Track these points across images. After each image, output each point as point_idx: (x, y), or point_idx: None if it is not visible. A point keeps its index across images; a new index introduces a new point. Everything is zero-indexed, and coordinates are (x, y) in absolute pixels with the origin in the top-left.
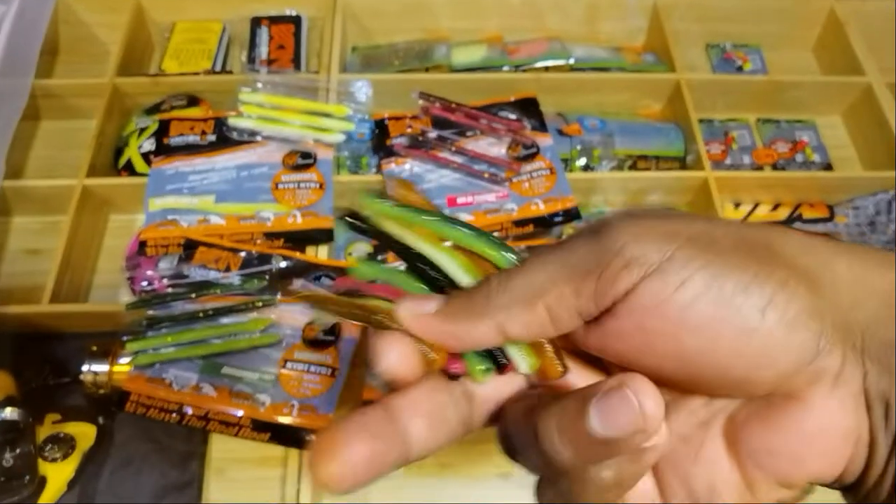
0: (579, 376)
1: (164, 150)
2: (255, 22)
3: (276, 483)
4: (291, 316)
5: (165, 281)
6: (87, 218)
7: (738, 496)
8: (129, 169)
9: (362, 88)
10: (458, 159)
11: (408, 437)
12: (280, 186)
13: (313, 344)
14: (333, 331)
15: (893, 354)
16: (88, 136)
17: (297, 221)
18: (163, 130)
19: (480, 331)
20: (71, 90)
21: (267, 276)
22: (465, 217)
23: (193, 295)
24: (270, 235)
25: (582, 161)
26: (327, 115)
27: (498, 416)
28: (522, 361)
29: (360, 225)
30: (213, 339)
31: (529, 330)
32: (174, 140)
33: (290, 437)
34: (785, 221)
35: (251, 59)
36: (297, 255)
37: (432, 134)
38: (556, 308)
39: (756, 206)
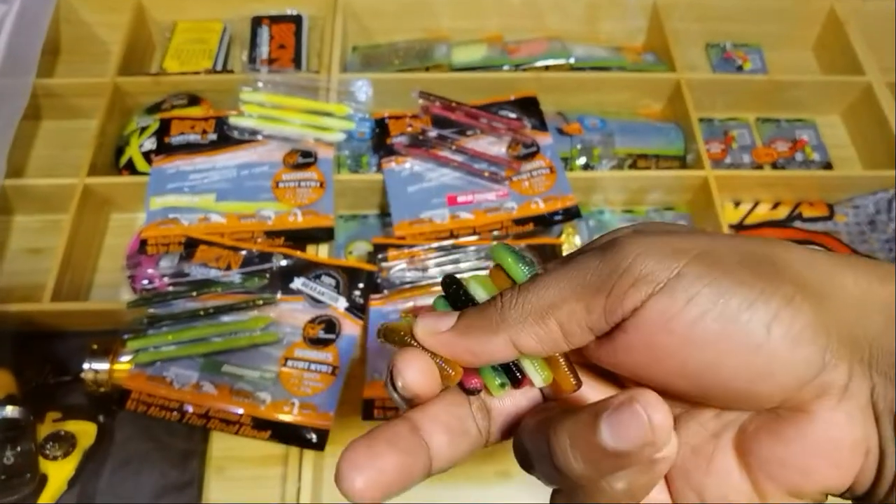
0: (593, 390)
1: (164, 149)
2: (256, 21)
3: (276, 482)
4: (292, 314)
5: (166, 279)
6: (88, 217)
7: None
8: (131, 168)
9: (363, 88)
10: (459, 158)
11: (431, 451)
12: (281, 185)
13: (314, 342)
14: (333, 329)
15: None
16: (89, 136)
17: (298, 220)
18: (164, 129)
19: (494, 345)
20: (72, 89)
21: (267, 275)
22: (466, 216)
23: (194, 293)
24: (271, 234)
25: (582, 160)
26: (328, 115)
27: (515, 429)
28: (537, 375)
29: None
30: (214, 338)
31: (542, 345)
32: (175, 139)
33: (290, 435)
34: (785, 220)
35: (252, 59)
36: (298, 253)
37: (432, 133)
38: (567, 323)
39: (756, 204)
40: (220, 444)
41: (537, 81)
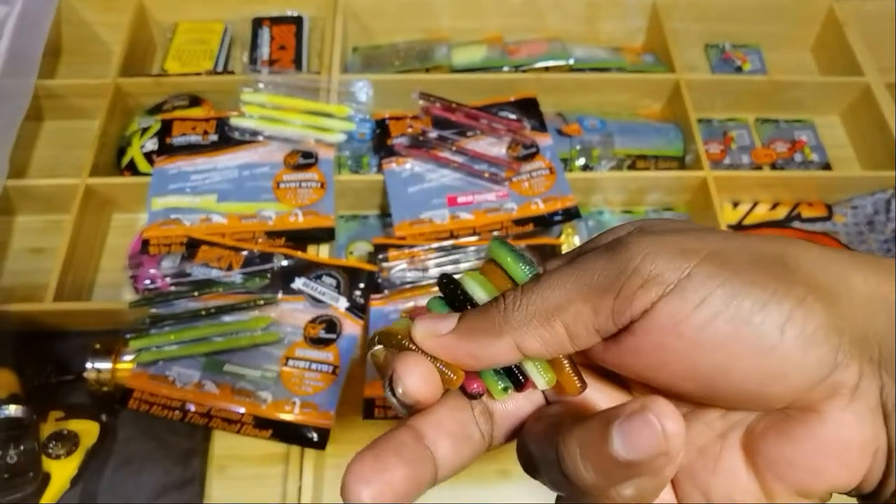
0: (597, 391)
1: (166, 149)
2: (257, 22)
3: (277, 480)
4: (292, 314)
5: (168, 279)
6: (90, 217)
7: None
8: (132, 168)
9: (363, 88)
10: (459, 159)
11: (436, 459)
12: (281, 186)
13: (314, 342)
14: (334, 329)
15: None
16: (91, 136)
17: (299, 220)
18: (165, 130)
19: (497, 349)
20: (74, 90)
21: (268, 275)
22: (466, 216)
23: (196, 293)
24: (272, 234)
25: (581, 161)
26: (328, 115)
27: (518, 432)
28: (540, 378)
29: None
30: (216, 337)
31: (547, 347)
32: (176, 140)
33: (291, 434)
34: (783, 221)
35: (253, 60)
36: (299, 253)
37: (433, 134)
38: (573, 325)
39: (755, 205)
40: (222, 443)
41: (537, 82)
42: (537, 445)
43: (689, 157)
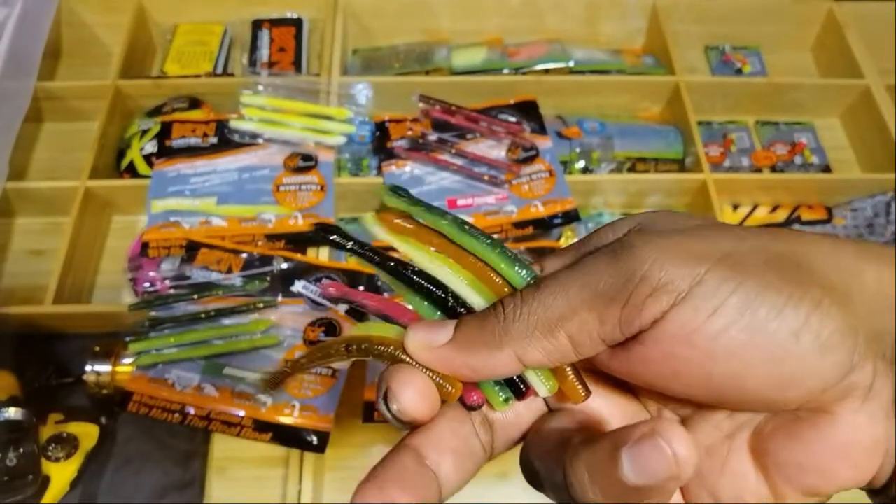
0: (602, 398)
1: (165, 152)
2: (256, 24)
3: (277, 482)
4: (292, 317)
5: (168, 282)
6: (89, 219)
7: None
8: (132, 171)
9: (363, 91)
10: (458, 161)
11: (439, 480)
12: (281, 188)
13: (314, 345)
14: (334, 331)
15: None
16: (91, 138)
17: (299, 223)
18: (165, 132)
19: (498, 361)
20: (73, 92)
21: (268, 278)
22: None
23: (195, 296)
24: (272, 237)
25: (581, 163)
26: (328, 118)
27: (519, 440)
28: (542, 386)
29: (338, 240)
30: (215, 340)
31: (550, 358)
32: (176, 142)
33: (291, 437)
34: (783, 223)
35: (252, 62)
36: (298, 256)
37: (432, 136)
38: (577, 335)
39: (754, 207)
40: (222, 445)
41: (537, 85)
42: (543, 464)
43: (689, 159)
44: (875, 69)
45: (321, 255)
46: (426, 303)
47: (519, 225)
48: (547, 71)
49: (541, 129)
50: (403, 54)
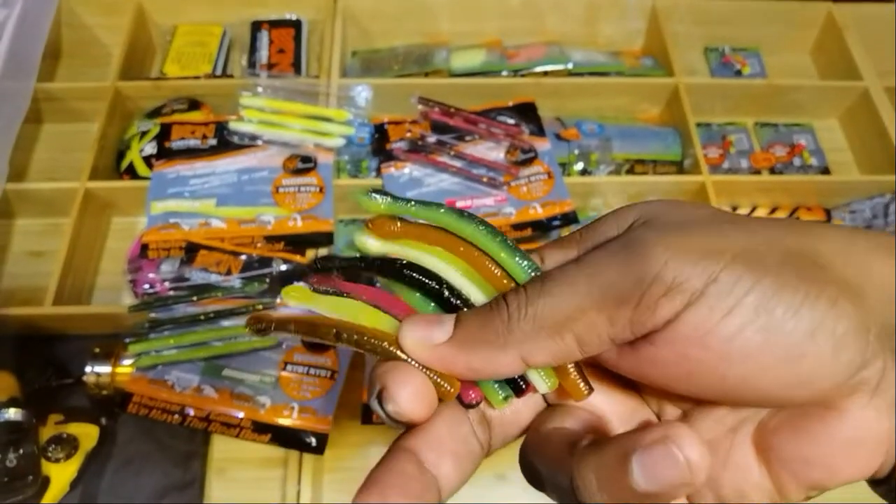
0: (602, 395)
1: (165, 153)
2: (256, 26)
3: (276, 483)
4: None
5: (167, 283)
6: (89, 220)
7: (767, 498)
8: (131, 172)
9: (362, 93)
10: (457, 163)
11: (439, 482)
12: (280, 190)
13: (312, 347)
14: None
15: None
16: (90, 139)
17: (298, 225)
18: (164, 134)
19: (502, 362)
20: (73, 93)
21: (267, 280)
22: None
23: (195, 297)
24: (271, 239)
25: (580, 165)
26: (327, 120)
27: (516, 436)
28: (542, 383)
29: (325, 267)
30: (214, 342)
31: (555, 359)
32: (175, 144)
33: (290, 438)
34: None
35: (251, 63)
36: (298, 258)
37: (431, 138)
38: (585, 336)
39: (753, 209)
40: (221, 446)
41: (536, 87)
42: (546, 467)
43: (688, 161)
44: (874, 71)
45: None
46: (418, 294)
47: (517, 227)
48: (546, 73)
49: (539, 131)
50: (402, 56)
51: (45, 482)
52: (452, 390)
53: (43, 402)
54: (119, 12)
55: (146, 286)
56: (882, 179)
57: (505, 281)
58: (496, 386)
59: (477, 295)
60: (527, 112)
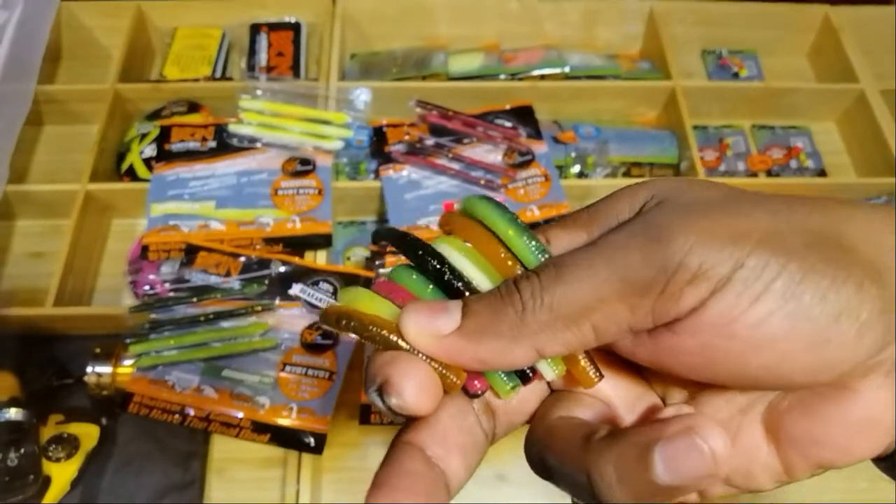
0: (608, 381)
1: (165, 155)
2: (255, 29)
3: (276, 483)
4: (290, 320)
5: (167, 285)
6: (89, 222)
7: (775, 478)
8: (131, 174)
9: (361, 96)
10: (455, 166)
11: (447, 478)
12: (279, 192)
13: (311, 348)
14: (331, 335)
15: None
16: (91, 141)
17: (296, 227)
18: (164, 136)
19: (515, 355)
20: (73, 95)
21: (266, 281)
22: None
23: (194, 299)
24: (270, 240)
25: (576, 168)
26: (326, 122)
27: (520, 424)
28: (550, 371)
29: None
30: (214, 343)
31: (570, 349)
32: (175, 146)
33: (289, 438)
34: None
35: (250, 66)
36: (296, 259)
37: (430, 141)
38: (603, 325)
39: None
40: (221, 446)
41: (533, 90)
42: (558, 461)
43: (685, 164)
44: (871, 74)
45: (318, 258)
46: (415, 275)
47: None
48: (543, 76)
49: (537, 134)
50: (401, 59)
51: (46, 482)
52: (458, 382)
53: (44, 402)
54: (119, 15)
55: (146, 287)
56: (879, 182)
57: (510, 263)
58: (503, 375)
59: (479, 277)
60: (524, 115)
